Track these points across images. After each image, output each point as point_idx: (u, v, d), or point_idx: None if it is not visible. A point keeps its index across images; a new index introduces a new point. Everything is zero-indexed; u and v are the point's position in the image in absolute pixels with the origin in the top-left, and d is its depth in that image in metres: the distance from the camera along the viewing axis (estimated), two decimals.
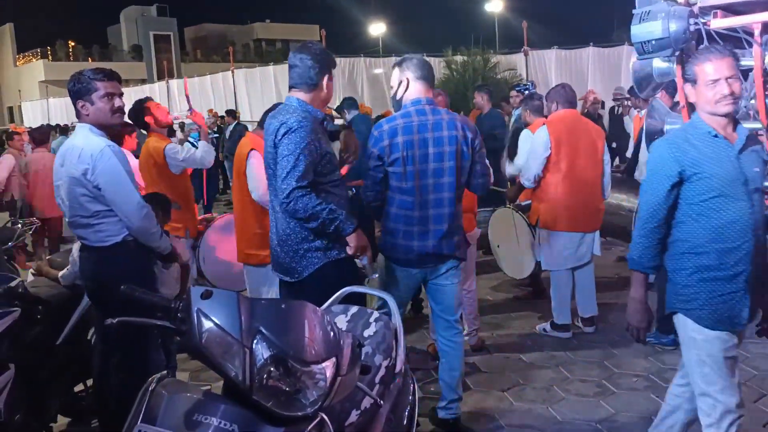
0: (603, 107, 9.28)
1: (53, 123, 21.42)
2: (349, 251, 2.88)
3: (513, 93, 7.65)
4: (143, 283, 3.12)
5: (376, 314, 2.53)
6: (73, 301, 3.43)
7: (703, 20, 2.68)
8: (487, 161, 3.29)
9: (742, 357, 4.11)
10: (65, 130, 15.13)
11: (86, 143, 2.98)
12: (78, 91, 3.02)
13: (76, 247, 3.34)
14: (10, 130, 12.11)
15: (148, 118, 4.45)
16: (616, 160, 7.92)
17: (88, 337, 3.61)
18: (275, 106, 3.41)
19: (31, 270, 3.83)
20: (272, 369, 1.55)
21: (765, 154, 2.45)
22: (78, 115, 3.08)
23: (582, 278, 4.70)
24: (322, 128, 2.94)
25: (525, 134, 5.24)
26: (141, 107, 4.50)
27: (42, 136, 7.65)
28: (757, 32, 2.54)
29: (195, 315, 1.57)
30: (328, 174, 2.89)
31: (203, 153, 4.46)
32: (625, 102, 8.62)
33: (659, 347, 4.30)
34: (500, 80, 15.13)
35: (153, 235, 3.10)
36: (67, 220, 3.14)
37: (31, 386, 3.22)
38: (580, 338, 4.59)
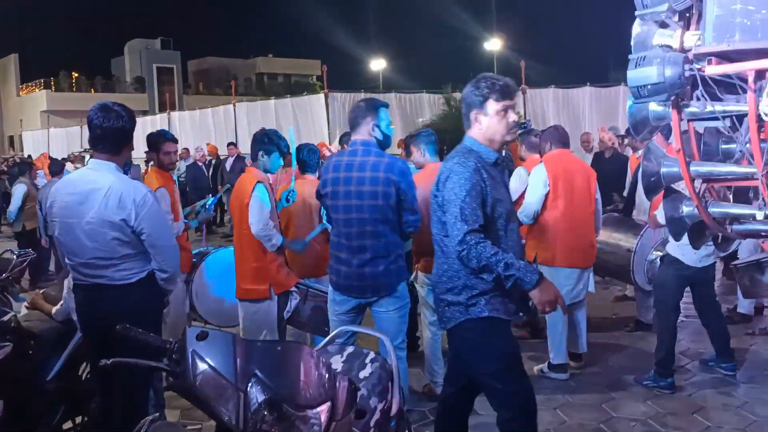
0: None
1: (53, 153, 21.48)
2: (539, 307, 2.60)
3: None
4: (159, 319, 3.16)
5: (372, 354, 2.50)
6: (66, 337, 3.39)
7: (698, 66, 2.72)
8: (414, 204, 3.40)
9: (741, 402, 4.07)
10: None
11: (123, 186, 2.88)
12: (133, 128, 3.01)
13: (67, 282, 3.29)
14: (26, 159, 12.31)
15: (151, 155, 4.29)
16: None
17: (79, 373, 3.56)
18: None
19: (26, 303, 3.81)
20: (266, 413, 1.52)
21: None
22: (119, 149, 2.96)
23: (576, 315, 4.71)
24: (495, 170, 2.76)
25: (518, 171, 5.29)
26: (155, 143, 4.25)
27: (58, 167, 8.21)
28: (750, 79, 2.58)
29: (190, 356, 1.55)
30: (498, 219, 2.71)
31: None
32: (618, 141, 8.68)
33: (657, 391, 4.25)
34: None
35: (177, 277, 3.17)
36: (78, 260, 2.94)
37: (21, 422, 3.17)
38: (578, 381, 4.54)
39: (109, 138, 2.92)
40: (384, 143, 3.48)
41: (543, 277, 2.58)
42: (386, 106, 3.55)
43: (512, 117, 2.76)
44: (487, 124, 2.73)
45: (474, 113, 2.75)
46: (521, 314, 2.79)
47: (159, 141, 4.31)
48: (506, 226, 2.73)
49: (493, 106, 2.72)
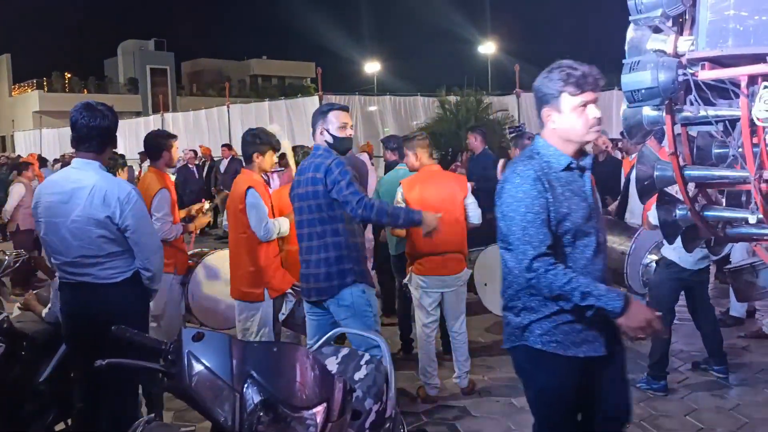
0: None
1: (45, 154, 21.38)
2: (629, 334, 2.24)
3: (469, 135, 7.70)
4: (145, 319, 3.15)
5: (367, 356, 2.50)
6: (58, 338, 3.37)
7: (691, 71, 2.74)
8: (349, 189, 3.28)
9: (733, 404, 4.10)
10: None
11: (107, 184, 2.90)
12: (116, 127, 3.04)
13: (54, 284, 3.28)
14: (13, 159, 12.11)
15: (164, 154, 4.28)
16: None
17: (72, 375, 3.54)
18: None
19: (18, 304, 3.78)
20: (262, 414, 1.53)
21: None
22: (102, 148, 2.96)
23: None
24: (569, 176, 2.36)
25: None
26: (166, 141, 4.29)
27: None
28: (743, 84, 2.60)
29: (186, 357, 1.55)
30: (564, 235, 2.31)
31: (169, 231, 4.14)
32: (611, 144, 8.73)
33: (651, 393, 4.27)
34: (493, 121, 15.35)
35: (161, 277, 3.15)
36: (64, 259, 2.95)
37: (13, 424, 3.15)
38: None
39: (96, 137, 2.93)
40: (336, 146, 3.46)
41: (630, 301, 2.21)
42: (343, 109, 3.55)
43: (594, 113, 2.34)
44: (561, 122, 2.33)
45: (546, 110, 2.36)
46: (597, 346, 2.32)
47: (169, 139, 4.33)
48: (574, 242, 2.32)
49: (568, 101, 2.31)
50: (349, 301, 3.37)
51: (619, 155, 7.73)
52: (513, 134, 6.31)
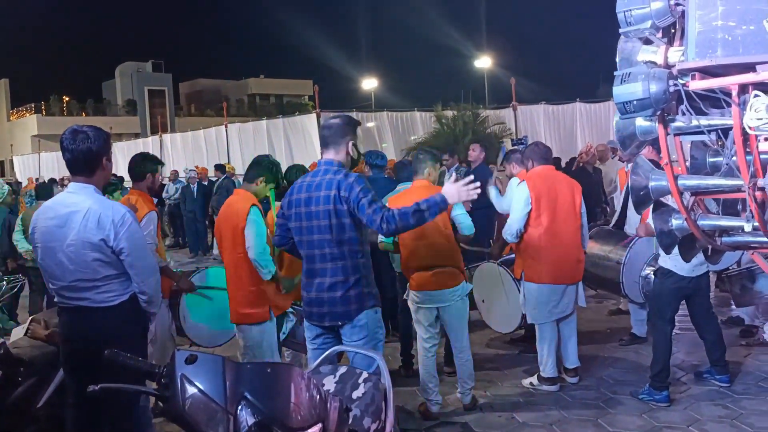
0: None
1: (44, 177, 21.43)
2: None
3: (471, 146, 7.95)
4: (143, 342, 3.13)
5: (365, 374, 2.49)
6: (55, 362, 3.35)
7: (682, 81, 2.76)
8: (371, 207, 3.11)
9: (736, 414, 4.06)
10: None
11: (101, 207, 2.90)
12: (107, 147, 3.04)
13: None
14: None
15: (149, 177, 4.31)
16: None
17: (69, 401, 3.50)
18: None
19: (21, 329, 3.75)
20: None
21: None
22: (91, 171, 2.95)
23: (565, 330, 4.72)
24: None
25: (514, 181, 5.32)
26: (152, 166, 4.35)
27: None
28: (734, 93, 2.61)
29: (179, 380, 1.54)
30: None
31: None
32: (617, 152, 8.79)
33: (653, 404, 4.24)
34: (490, 134, 15.42)
35: (159, 299, 3.13)
36: (61, 283, 2.95)
37: None
38: (573, 395, 4.52)
39: (80, 160, 2.94)
40: (356, 162, 3.43)
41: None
42: (360, 124, 3.52)
43: None
44: None
45: None
46: None
47: (156, 165, 4.39)
48: None
49: None
50: (364, 322, 3.23)
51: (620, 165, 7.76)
52: (516, 147, 6.41)
